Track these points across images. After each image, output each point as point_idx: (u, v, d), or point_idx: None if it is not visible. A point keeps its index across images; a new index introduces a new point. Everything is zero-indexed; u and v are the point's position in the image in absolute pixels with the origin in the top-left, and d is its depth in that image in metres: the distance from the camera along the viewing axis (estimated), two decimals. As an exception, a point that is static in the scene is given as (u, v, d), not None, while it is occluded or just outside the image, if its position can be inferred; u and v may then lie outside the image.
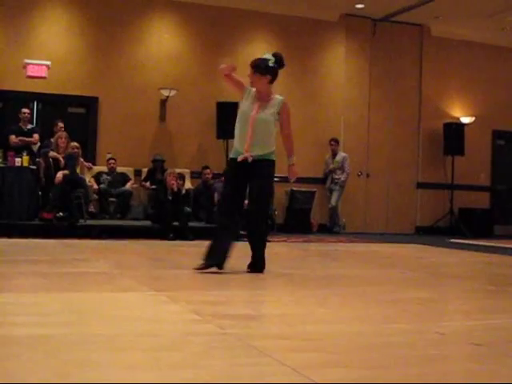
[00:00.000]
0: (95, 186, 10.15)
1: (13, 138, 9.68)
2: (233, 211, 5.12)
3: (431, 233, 12.60)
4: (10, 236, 7.88)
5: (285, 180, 11.78)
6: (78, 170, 9.45)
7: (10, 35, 10.59)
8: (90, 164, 10.41)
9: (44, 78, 10.29)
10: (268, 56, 5.20)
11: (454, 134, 12.75)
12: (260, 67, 5.13)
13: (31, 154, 9.34)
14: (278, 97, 5.27)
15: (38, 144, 9.88)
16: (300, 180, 12.06)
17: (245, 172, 5.11)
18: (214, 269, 5.01)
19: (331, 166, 11.98)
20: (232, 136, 5.41)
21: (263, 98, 5.19)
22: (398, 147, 12.84)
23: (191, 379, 2.15)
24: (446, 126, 12.90)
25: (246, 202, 5.29)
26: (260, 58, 5.21)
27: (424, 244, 9.70)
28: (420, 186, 13.07)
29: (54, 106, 11.02)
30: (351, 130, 12.53)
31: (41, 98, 10.87)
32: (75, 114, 11.17)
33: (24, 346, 2.51)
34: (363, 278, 5.48)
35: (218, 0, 11.63)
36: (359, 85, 12.68)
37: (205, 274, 4.93)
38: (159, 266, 6.09)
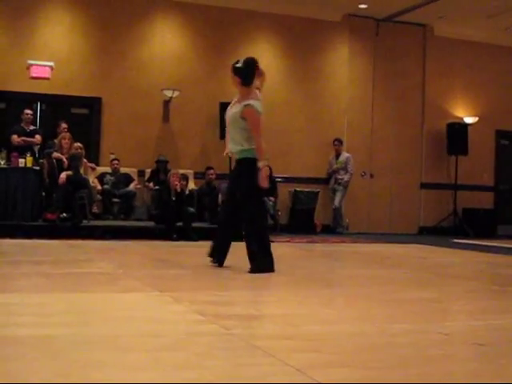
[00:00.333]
0: (99, 187, 10.16)
1: (15, 137, 9.67)
2: (231, 209, 5.41)
3: (435, 233, 12.59)
4: (13, 237, 7.88)
5: (288, 180, 11.89)
6: (81, 171, 9.46)
7: (13, 36, 10.60)
8: (94, 165, 10.43)
9: (47, 78, 10.33)
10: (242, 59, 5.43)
11: (457, 134, 12.73)
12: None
13: (34, 155, 9.36)
14: (247, 100, 5.29)
15: (39, 146, 9.88)
16: (303, 180, 12.24)
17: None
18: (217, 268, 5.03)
19: (335, 167, 11.98)
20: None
21: (239, 99, 5.41)
22: (401, 147, 12.83)
23: (195, 379, 2.15)
24: (450, 126, 12.88)
25: None
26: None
27: (427, 244, 9.68)
28: (423, 186, 13.06)
29: (57, 107, 11.02)
30: (355, 130, 12.52)
31: (44, 98, 10.87)
32: (79, 115, 11.18)
33: (27, 347, 2.52)
34: (367, 278, 5.47)
35: (220, 0, 11.64)
36: (362, 85, 12.67)
37: (208, 275, 4.93)
38: (162, 266, 6.09)
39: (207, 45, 11.66)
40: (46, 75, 10.36)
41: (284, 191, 11.52)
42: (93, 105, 11.08)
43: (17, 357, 2.36)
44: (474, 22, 12.53)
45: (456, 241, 10.77)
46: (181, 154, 11.38)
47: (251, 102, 5.25)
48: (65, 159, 9.16)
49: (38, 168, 9.07)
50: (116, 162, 10.51)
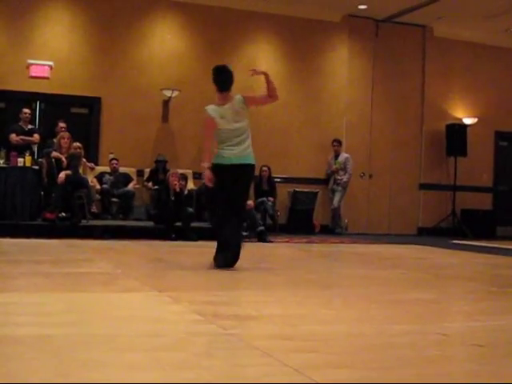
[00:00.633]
0: (98, 187, 10.15)
1: (13, 136, 9.66)
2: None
3: (433, 234, 12.58)
4: (12, 236, 7.88)
5: (287, 181, 11.88)
6: (80, 171, 9.46)
7: (13, 36, 10.60)
8: (93, 164, 10.43)
9: (47, 78, 10.31)
10: None
11: (456, 134, 12.73)
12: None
13: (33, 155, 9.35)
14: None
15: (37, 144, 9.88)
16: (302, 181, 12.24)
17: None
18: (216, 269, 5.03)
19: (334, 167, 11.98)
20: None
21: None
22: (400, 148, 12.83)
23: (193, 379, 2.16)
24: (449, 126, 12.88)
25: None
26: None
27: (426, 245, 9.69)
28: (422, 186, 13.06)
29: (56, 107, 11.01)
30: (354, 131, 12.52)
31: (43, 98, 10.86)
32: (78, 115, 11.18)
33: (26, 346, 2.52)
34: (365, 278, 5.48)
35: (220, 1, 11.64)
36: (362, 86, 12.67)
37: (207, 275, 4.93)
38: (161, 266, 6.09)
39: (207, 45, 11.66)
40: (46, 75, 10.34)
41: (283, 191, 11.52)
42: (92, 104, 11.08)
43: (16, 356, 2.36)
44: (474, 23, 12.53)
45: (455, 242, 10.78)
46: (180, 153, 11.38)
47: (208, 106, 5.59)
48: (64, 159, 9.15)
49: (37, 167, 9.06)
50: (115, 161, 10.50)
